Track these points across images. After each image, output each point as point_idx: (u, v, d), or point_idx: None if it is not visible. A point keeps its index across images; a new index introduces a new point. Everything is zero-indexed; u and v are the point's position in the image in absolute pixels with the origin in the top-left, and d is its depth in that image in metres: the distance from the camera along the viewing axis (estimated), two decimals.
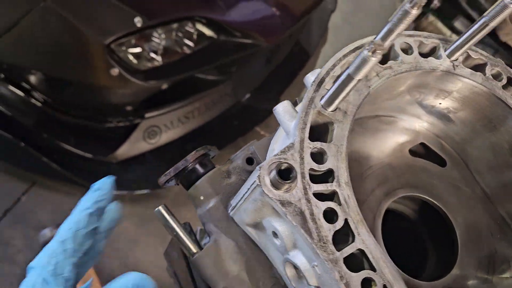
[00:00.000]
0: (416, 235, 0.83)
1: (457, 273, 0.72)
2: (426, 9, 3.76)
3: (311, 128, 0.59)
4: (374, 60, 0.50)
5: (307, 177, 0.54)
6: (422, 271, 0.80)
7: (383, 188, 0.75)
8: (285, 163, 0.53)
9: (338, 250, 0.52)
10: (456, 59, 0.70)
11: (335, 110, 0.60)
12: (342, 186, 0.55)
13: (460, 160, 0.82)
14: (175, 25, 1.85)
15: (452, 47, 0.69)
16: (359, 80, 0.53)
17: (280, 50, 2.85)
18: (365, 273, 0.51)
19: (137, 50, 1.77)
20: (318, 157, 0.57)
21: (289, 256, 0.57)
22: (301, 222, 0.52)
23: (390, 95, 0.74)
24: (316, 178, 0.55)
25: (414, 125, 0.82)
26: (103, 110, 1.89)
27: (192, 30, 1.92)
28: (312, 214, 0.53)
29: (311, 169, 0.55)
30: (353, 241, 0.53)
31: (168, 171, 0.68)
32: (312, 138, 0.58)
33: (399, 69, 0.66)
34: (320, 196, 0.54)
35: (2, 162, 2.12)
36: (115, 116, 1.85)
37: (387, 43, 0.50)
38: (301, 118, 0.58)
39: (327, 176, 0.56)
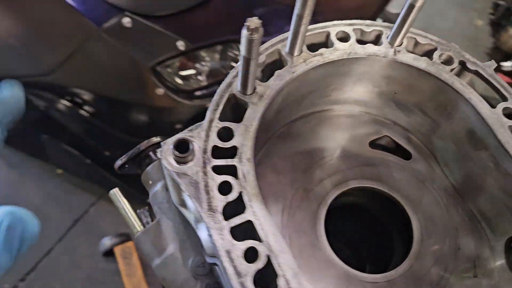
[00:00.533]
0: (383, 229, 0.80)
1: (407, 267, 0.68)
2: (506, 22, 3.50)
3: (233, 109, 0.63)
4: (256, 37, 0.53)
5: (209, 153, 0.58)
6: (390, 263, 0.76)
7: (333, 179, 0.75)
8: (183, 139, 0.57)
9: (228, 219, 0.54)
10: (400, 45, 0.69)
11: (252, 93, 0.63)
12: (244, 162, 0.58)
13: (428, 153, 0.78)
14: (218, 47, 1.97)
15: (391, 33, 0.68)
16: (255, 60, 0.56)
17: None
18: (250, 242, 0.52)
19: (183, 71, 1.92)
20: (225, 135, 0.60)
21: (197, 230, 0.60)
22: (194, 192, 0.56)
23: (341, 85, 0.75)
24: (222, 153, 0.58)
25: (376, 117, 0.80)
26: (154, 129, 2.06)
27: (236, 52, 2.02)
28: (206, 185, 0.56)
29: (215, 146, 0.59)
30: (243, 212, 0.55)
31: (123, 156, 0.75)
32: (227, 118, 0.61)
33: (330, 56, 0.67)
34: (220, 170, 0.57)
35: (73, 177, 2.40)
36: (165, 133, 1.99)
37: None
38: (215, 101, 0.62)
39: (233, 152, 0.59)
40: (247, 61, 0.57)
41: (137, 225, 0.72)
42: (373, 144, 0.79)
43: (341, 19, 0.70)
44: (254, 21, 0.52)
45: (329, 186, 0.74)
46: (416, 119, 0.76)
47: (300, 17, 0.60)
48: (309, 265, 0.68)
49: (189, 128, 0.60)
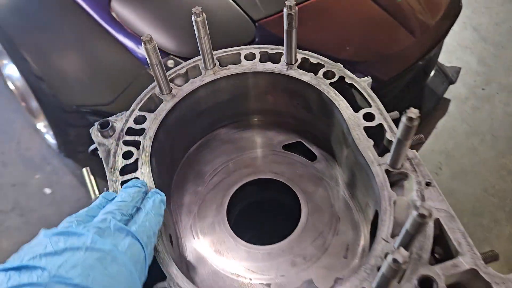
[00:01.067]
0: (281, 213, 0.94)
1: (287, 242, 0.82)
2: None
3: (155, 105, 0.86)
4: (150, 47, 0.76)
5: (124, 131, 0.81)
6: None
7: (244, 172, 0.92)
8: (106, 120, 0.81)
9: (123, 175, 0.75)
10: (294, 63, 0.87)
11: (168, 93, 0.85)
12: (146, 139, 0.79)
13: (330, 156, 0.92)
14: None
15: (284, 54, 0.87)
16: (157, 65, 0.79)
17: None
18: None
19: None
20: (141, 120, 0.82)
21: None
22: (105, 157, 0.78)
23: (253, 96, 0.94)
24: (135, 132, 0.81)
25: (292, 125, 0.97)
26: None
27: None
28: (115, 153, 0.78)
29: (130, 127, 0.81)
30: (135, 171, 0.75)
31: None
32: (148, 110, 0.84)
33: (235, 70, 0.88)
34: (129, 143, 0.79)
35: None
36: None
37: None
38: (140, 97, 0.85)
39: (142, 132, 0.81)
40: (156, 67, 0.80)
41: (93, 193, 0.96)
42: (286, 146, 0.95)
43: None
44: (146, 37, 0.75)
45: (239, 176, 0.92)
46: (321, 126, 0.92)
47: (200, 39, 0.82)
48: (213, 238, 0.85)
49: (118, 114, 0.84)
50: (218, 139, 0.97)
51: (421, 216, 0.52)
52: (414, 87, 3.04)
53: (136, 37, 1.93)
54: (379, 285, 0.58)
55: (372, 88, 2.39)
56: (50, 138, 2.68)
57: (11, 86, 2.73)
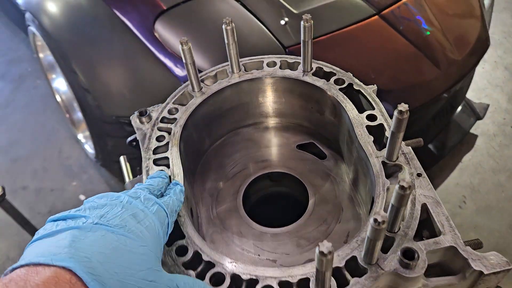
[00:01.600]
0: (291, 203, 1.04)
1: (295, 226, 0.92)
2: None
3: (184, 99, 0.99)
4: (185, 48, 0.90)
5: (159, 119, 0.94)
6: None
7: (259, 165, 1.03)
8: (145, 110, 0.95)
9: (155, 154, 0.88)
10: (309, 71, 1.00)
11: (198, 91, 0.99)
12: (177, 126, 0.92)
13: (338, 155, 1.03)
14: None
15: (301, 63, 0.99)
16: (191, 64, 0.93)
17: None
18: (163, 168, 0.85)
19: None
20: (173, 112, 0.96)
21: None
22: (142, 139, 0.91)
23: (273, 98, 1.06)
24: (168, 121, 0.94)
25: (306, 127, 1.08)
26: None
27: None
28: (150, 136, 0.91)
29: (164, 117, 0.95)
30: (165, 152, 0.88)
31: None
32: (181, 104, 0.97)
33: (258, 74, 1.01)
34: (162, 129, 0.92)
35: None
36: None
37: None
38: (174, 93, 0.99)
39: (174, 121, 0.94)
40: (187, 67, 0.94)
41: (128, 177, 1.09)
42: (300, 146, 1.06)
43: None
44: (183, 40, 0.89)
45: (255, 169, 1.03)
46: (331, 128, 1.03)
47: (229, 46, 0.96)
48: (229, 223, 0.96)
49: (154, 105, 0.98)
50: (240, 137, 1.09)
51: (402, 188, 0.62)
52: (441, 120, 3.09)
53: (175, 57, 2.11)
54: (367, 250, 0.67)
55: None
56: (89, 148, 2.88)
57: (58, 99, 2.97)
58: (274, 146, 1.07)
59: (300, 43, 0.96)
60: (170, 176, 0.83)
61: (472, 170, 3.23)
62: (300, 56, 1.00)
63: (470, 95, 3.37)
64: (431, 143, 3.17)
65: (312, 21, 0.90)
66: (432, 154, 3.19)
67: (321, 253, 0.56)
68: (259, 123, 1.10)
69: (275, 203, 1.09)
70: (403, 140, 0.91)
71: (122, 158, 1.13)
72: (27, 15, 2.57)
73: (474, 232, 2.80)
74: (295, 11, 2.32)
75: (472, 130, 3.52)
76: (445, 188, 3.13)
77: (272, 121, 1.10)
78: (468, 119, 3.45)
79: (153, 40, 2.23)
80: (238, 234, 0.92)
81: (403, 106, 0.71)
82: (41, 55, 2.81)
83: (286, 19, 2.31)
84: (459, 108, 3.32)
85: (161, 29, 2.23)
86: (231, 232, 0.92)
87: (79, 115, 2.86)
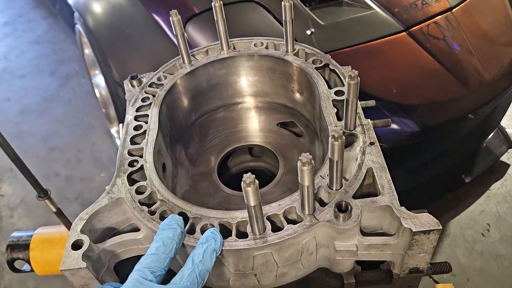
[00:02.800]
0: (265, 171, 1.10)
1: (265, 190, 0.97)
2: None
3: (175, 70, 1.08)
4: (175, 19, 0.99)
5: (147, 85, 1.03)
6: None
7: (238, 137, 1.10)
8: (136, 75, 1.04)
9: (137, 112, 0.97)
10: (291, 51, 1.06)
11: (189, 63, 1.08)
12: (162, 90, 1.01)
13: (313, 134, 1.07)
14: None
15: (285, 43, 1.06)
16: (181, 37, 1.02)
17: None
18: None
19: None
20: (162, 79, 1.05)
21: None
22: (130, 99, 1.01)
23: (262, 78, 1.13)
24: (155, 85, 1.03)
25: (288, 107, 1.14)
26: None
27: None
28: (137, 97, 1.01)
29: (152, 82, 1.04)
30: (147, 110, 0.97)
31: None
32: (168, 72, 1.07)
33: (244, 52, 1.08)
34: (149, 91, 1.02)
35: None
36: None
37: None
38: (166, 64, 1.08)
39: (161, 85, 1.03)
40: (177, 38, 1.03)
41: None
42: (281, 124, 1.12)
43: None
44: (173, 11, 0.99)
45: (235, 141, 1.09)
46: (309, 107, 1.08)
47: (218, 23, 1.04)
48: (201, 184, 1.03)
49: (146, 73, 1.07)
50: (225, 113, 1.16)
51: (333, 137, 0.67)
52: (469, 144, 3.03)
53: None
54: (301, 199, 0.71)
55: (418, 133, 2.47)
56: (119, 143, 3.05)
57: (97, 94, 3.18)
58: (256, 123, 1.13)
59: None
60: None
61: (500, 198, 3.11)
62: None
63: (505, 123, 3.28)
64: (458, 165, 3.10)
65: (292, 1, 0.97)
66: (458, 177, 3.12)
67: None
68: (244, 102, 1.17)
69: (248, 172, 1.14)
70: (373, 120, 0.95)
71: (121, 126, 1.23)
72: (76, 14, 2.80)
73: (495, 261, 2.68)
74: (322, 23, 2.39)
75: (504, 159, 3.41)
76: (469, 213, 3.03)
77: (257, 100, 1.17)
78: (499, 146, 3.35)
79: None
80: (206, 195, 0.98)
81: (353, 72, 0.76)
82: (86, 51, 3.04)
83: (312, 29, 2.38)
84: (491, 134, 3.23)
85: (191, 31, 2.37)
86: (201, 192, 0.99)
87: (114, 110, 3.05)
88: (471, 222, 2.98)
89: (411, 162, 2.69)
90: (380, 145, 2.25)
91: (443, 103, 2.48)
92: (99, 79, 3.14)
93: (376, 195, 0.77)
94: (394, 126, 2.50)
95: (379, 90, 2.41)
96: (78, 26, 2.83)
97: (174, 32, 1.01)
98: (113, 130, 3.18)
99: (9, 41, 4.54)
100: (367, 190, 0.80)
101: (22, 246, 1.13)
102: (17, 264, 1.14)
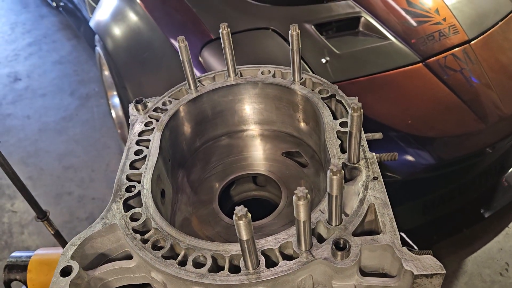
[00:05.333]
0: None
1: (266, 221, 0.94)
2: None
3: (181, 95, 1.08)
4: (182, 46, 0.99)
5: (152, 109, 1.03)
6: None
7: (243, 165, 1.08)
8: (141, 99, 1.04)
9: (139, 136, 0.96)
10: (298, 81, 1.05)
11: (195, 88, 1.07)
12: (166, 115, 1.01)
13: (318, 165, 1.05)
14: None
15: (291, 73, 1.05)
16: (188, 62, 1.02)
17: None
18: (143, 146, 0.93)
19: None
20: (167, 104, 1.04)
21: None
22: (133, 123, 1.00)
23: (265, 106, 1.12)
24: (161, 111, 1.03)
25: (294, 137, 1.12)
26: None
27: None
28: (140, 121, 1.00)
29: (157, 107, 1.04)
30: (149, 135, 0.96)
31: None
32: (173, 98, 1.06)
33: (250, 80, 1.08)
34: (153, 116, 1.01)
35: None
36: None
37: None
38: (172, 89, 1.08)
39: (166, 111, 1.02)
40: (184, 64, 1.03)
41: None
42: (285, 153, 1.10)
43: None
44: (180, 37, 0.99)
45: (238, 169, 1.07)
46: (314, 138, 1.06)
47: (225, 49, 1.04)
48: (202, 212, 1.01)
49: (152, 97, 1.07)
50: (230, 141, 1.15)
51: (331, 171, 0.64)
52: (489, 179, 2.94)
53: None
54: (297, 234, 0.68)
55: (433, 166, 2.41)
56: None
57: (113, 114, 3.22)
58: (261, 151, 1.11)
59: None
60: None
61: None
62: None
63: None
64: (476, 201, 3.01)
65: (299, 31, 0.96)
66: (476, 212, 3.02)
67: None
68: (250, 129, 1.15)
69: (250, 202, 1.12)
70: (380, 153, 0.92)
71: None
72: (96, 36, 2.87)
73: None
74: (337, 52, 2.39)
75: None
76: (487, 251, 2.92)
77: (262, 128, 1.15)
78: None
79: (197, 65, 2.39)
80: (206, 224, 0.96)
81: (356, 104, 0.74)
82: (105, 73, 3.10)
83: (328, 58, 2.38)
84: (511, 170, 3.14)
85: (207, 56, 2.39)
86: (201, 220, 0.97)
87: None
88: (488, 261, 2.87)
89: (427, 196, 2.62)
90: (394, 176, 2.20)
91: (460, 137, 2.43)
92: (116, 100, 3.19)
93: (377, 233, 0.73)
94: (409, 158, 2.45)
95: (394, 121, 2.37)
96: (98, 48, 2.89)
97: (181, 58, 1.01)
98: None
99: (33, 60, 4.67)
100: (369, 227, 0.77)
101: (20, 267, 1.12)
102: (13, 285, 1.13)
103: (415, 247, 2.61)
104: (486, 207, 3.04)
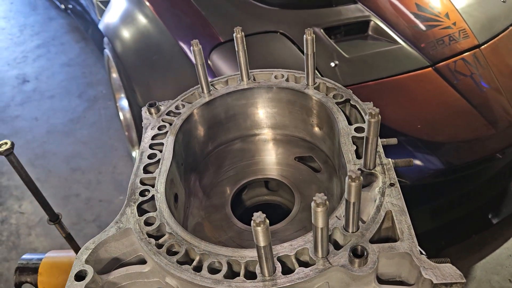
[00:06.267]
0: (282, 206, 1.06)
1: (279, 226, 0.94)
2: None
3: (193, 99, 1.08)
4: (196, 49, 0.99)
5: (165, 113, 1.03)
6: None
7: (254, 170, 1.07)
8: (154, 102, 1.04)
9: (153, 140, 0.96)
10: (312, 85, 1.04)
11: (208, 92, 1.07)
12: (179, 119, 1.00)
13: (332, 170, 1.04)
14: None
15: (305, 77, 1.04)
16: (201, 65, 1.01)
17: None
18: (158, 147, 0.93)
19: None
20: (180, 107, 1.04)
21: None
22: (146, 127, 1.00)
23: (281, 110, 1.11)
24: (174, 114, 1.03)
25: (307, 142, 1.11)
26: None
27: None
28: (154, 125, 1.00)
29: (170, 110, 1.03)
30: (162, 139, 0.96)
31: None
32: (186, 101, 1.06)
33: (264, 84, 1.07)
34: (167, 119, 1.01)
35: None
36: None
37: None
38: (185, 92, 1.08)
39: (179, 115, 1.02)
40: (197, 67, 1.02)
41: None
42: (298, 158, 1.09)
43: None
44: (195, 41, 0.99)
45: (250, 173, 1.07)
46: (328, 143, 1.05)
47: (239, 53, 1.04)
48: (214, 217, 1.00)
49: (166, 101, 1.07)
50: (243, 145, 1.14)
51: (350, 178, 0.64)
52: (498, 184, 2.92)
53: None
54: (315, 241, 0.68)
55: (442, 171, 2.40)
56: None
57: (121, 117, 3.23)
58: (273, 156, 1.10)
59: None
60: None
61: None
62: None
63: None
64: (485, 206, 2.99)
65: (314, 35, 0.95)
66: (485, 218, 3.00)
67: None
68: (263, 133, 1.15)
69: (263, 207, 1.11)
70: (396, 159, 0.91)
71: None
72: (105, 39, 2.88)
73: None
74: (346, 55, 2.38)
75: None
76: (496, 257, 2.89)
77: (275, 132, 1.15)
78: None
79: (206, 68, 2.38)
80: (218, 228, 0.95)
81: (373, 109, 0.73)
82: (113, 75, 3.11)
83: (337, 62, 2.37)
84: None
85: (215, 59, 2.39)
86: (213, 224, 0.96)
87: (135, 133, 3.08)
88: (497, 267, 2.84)
89: (435, 201, 2.60)
90: (402, 181, 2.19)
91: (470, 142, 2.41)
92: (124, 103, 3.20)
93: (395, 239, 0.73)
94: (417, 162, 2.44)
95: (403, 126, 2.36)
96: (107, 51, 2.90)
97: (195, 62, 1.01)
98: (134, 153, 3.20)
99: (41, 62, 4.70)
100: (386, 234, 0.76)
101: (31, 269, 1.11)
102: (24, 287, 1.13)
103: (424, 252, 2.60)
104: (495, 213, 3.01)
